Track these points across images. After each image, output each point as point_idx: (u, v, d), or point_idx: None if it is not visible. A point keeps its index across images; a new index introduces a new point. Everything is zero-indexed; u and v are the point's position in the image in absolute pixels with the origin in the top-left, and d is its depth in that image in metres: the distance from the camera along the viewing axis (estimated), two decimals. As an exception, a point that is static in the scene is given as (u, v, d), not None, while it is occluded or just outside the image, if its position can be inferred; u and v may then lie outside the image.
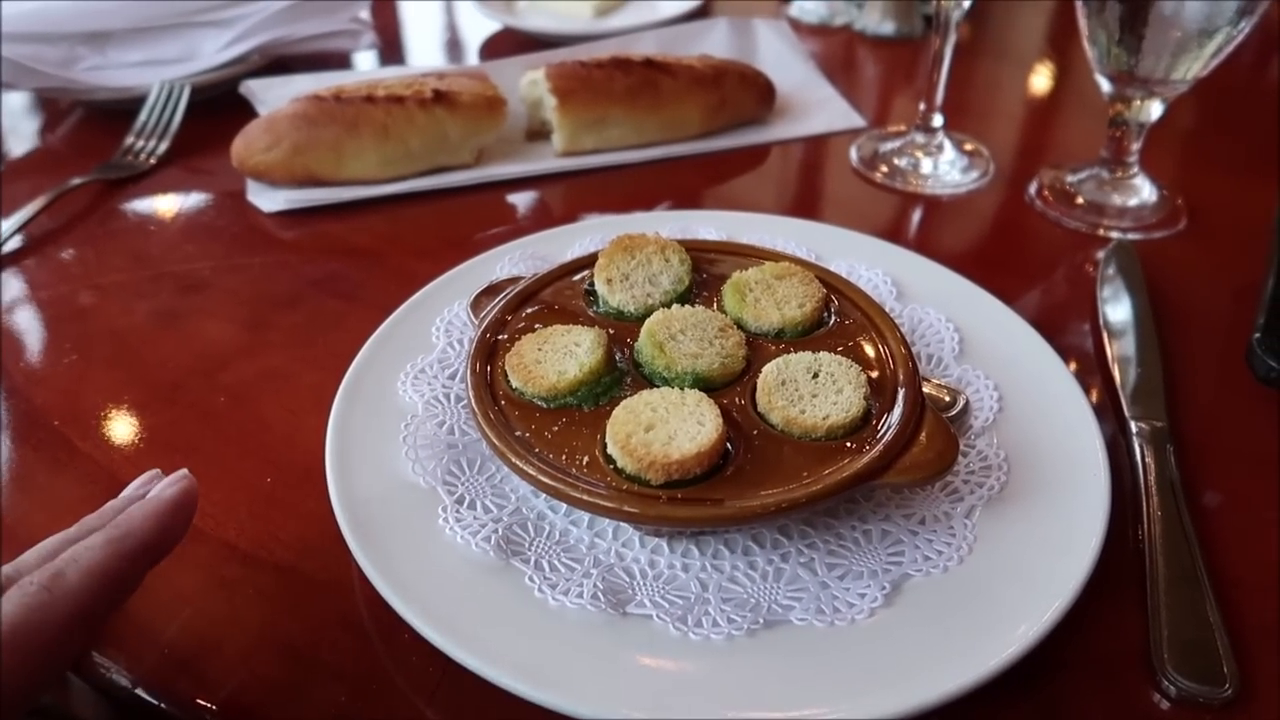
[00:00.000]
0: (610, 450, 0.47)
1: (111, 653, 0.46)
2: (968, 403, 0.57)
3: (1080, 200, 0.82)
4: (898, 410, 0.49)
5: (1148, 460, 0.56)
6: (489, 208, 0.84)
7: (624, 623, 0.45)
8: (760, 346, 0.54)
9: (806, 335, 0.55)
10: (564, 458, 0.47)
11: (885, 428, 0.48)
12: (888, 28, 1.18)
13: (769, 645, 0.44)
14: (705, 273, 0.60)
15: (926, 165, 0.88)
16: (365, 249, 0.77)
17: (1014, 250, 0.81)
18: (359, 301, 0.71)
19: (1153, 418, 0.59)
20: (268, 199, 0.82)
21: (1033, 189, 0.85)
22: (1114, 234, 0.79)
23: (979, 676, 0.42)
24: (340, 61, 1.10)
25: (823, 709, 0.41)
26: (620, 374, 0.52)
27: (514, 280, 0.59)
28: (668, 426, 0.46)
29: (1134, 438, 0.58)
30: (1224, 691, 0.44)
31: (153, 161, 0.88)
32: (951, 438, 0.48)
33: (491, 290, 0.59)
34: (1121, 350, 0.65)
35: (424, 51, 1.19)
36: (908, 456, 0.47)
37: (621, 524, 0.50)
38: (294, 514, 0.54)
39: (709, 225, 0.72)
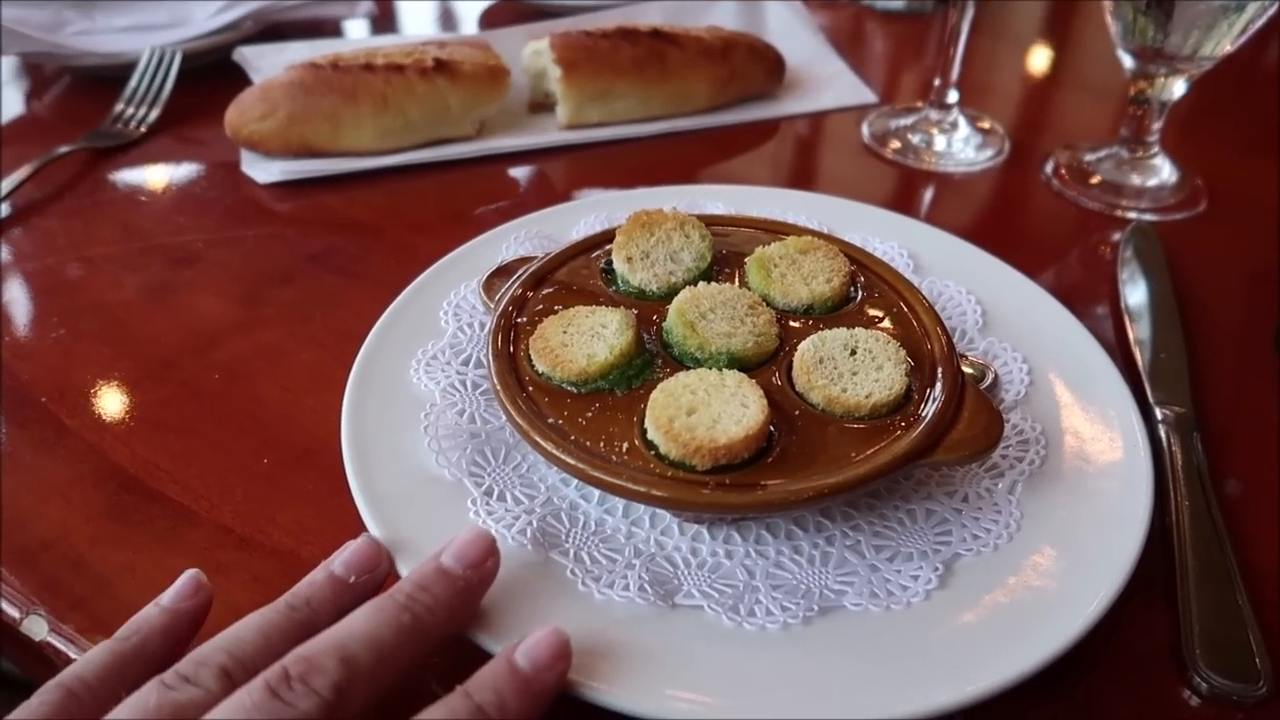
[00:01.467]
0: (652, 436, 0.45)
1: (100, 639, 0.44)
2: (997, 376, 0.56)
3: (1098, 180, 0.80)
4: (939, 386, 0.48)
5: (1173, 448, 0.54)
6: (491, 181, 0.82)
7: (674, 614, 0.43)
8: (789, 324, 0.52)
9: (835, 311, 0.54)
10: (602, 445, 0.45)
11: (928, 405, 0.47)
12: (898, 2, 1.15)
13: (827, 633, 0.43)
14: (724, 248, 0.58)
15: (940, 142, 0.86)
16: (363, 223, 0.75)
17: (1030, 230, 0.79)
18: (357, 277, 0.69)
19: (1177, 403, 0.57)
20: (262, 170, 0.79)
21: (1049, 168, 0.83)
22: (1132, 215, 0.78)
23: (1041, 659, 0.41)
24: (336, 29, 1.06)
25: (890, 701, 0.40)
26: (650, 355, 0.50)
27: (526, 260, 0.57)
28: (710, 409, 0.44)
29: (1159, 424, 0.56)
30: (1258, 689, 0.43)
31: (143, 130, 0.85)
32: (995, 413, 0.47)
33: (503, 271, 0.56)
34: (1142, 334, 0.63)
35: (423, 20, 1.16)
36: (953, 434, 0.46)
37: (659, 511, 0.48)
38: (292, 496, 0.52)
39: (717, 200, 0.70)
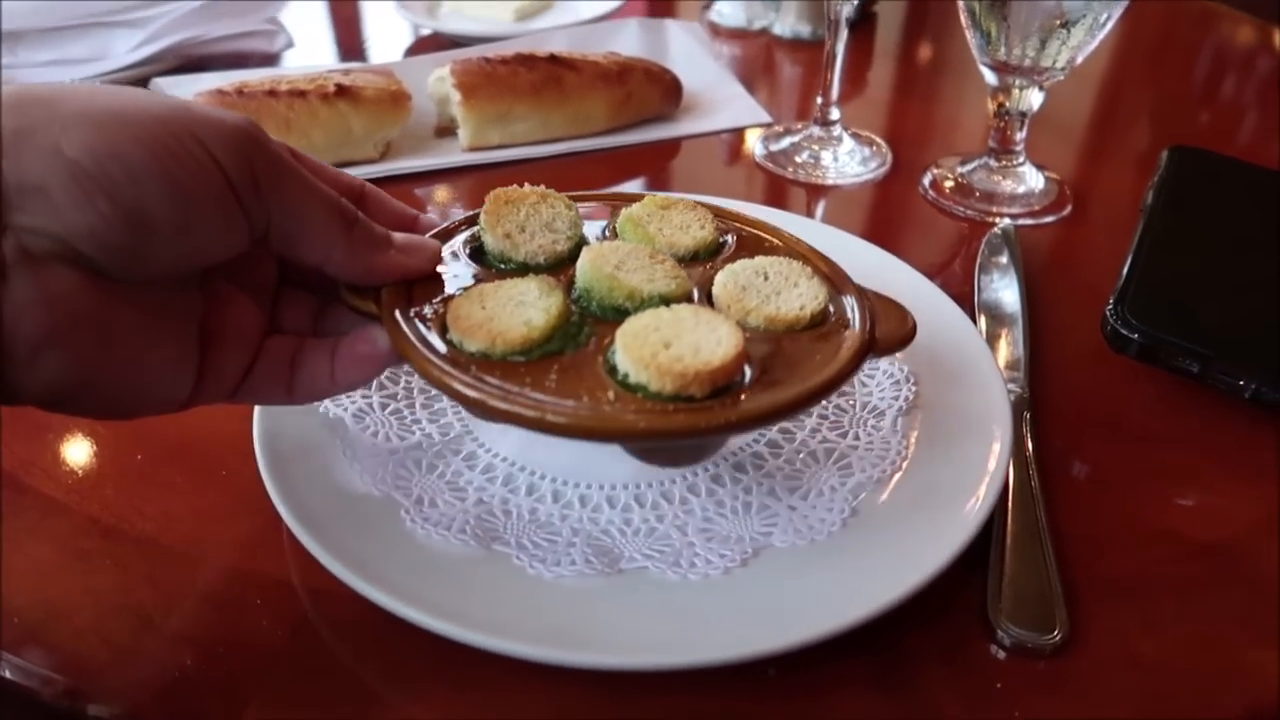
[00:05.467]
0: (637, 378, 0.42)
1: (-39, 623, 0.47)
2: None
3: (971, 188, 0.85)
4: (849, 293, 0.50)
5: (1005, 426, 0.58)
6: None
7: (622, 579, 0.47)
8: (687, 269, 0.52)
9: (716, 255, 0.55)
10: (587, 400, 0.42)
11: (849, 309, 0.49)
12: (803, 30, 1.20)
13: (763, 571, 0.47)
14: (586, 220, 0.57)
15: (826, 157, 0.90)
16: (264, 240, 0.78)
17: (909, 237, 0.83)
18: (251, 289, 0.71)
19: (1013, 387, 0.61)
20: (169, 192, 0.82)
21: (928, 179, 0.88)
22: (1006, 220, 0.82)
23: (947, 559, 0.46)
24: (259, 63, 1.10)
25: (832, 613, 0.44)
26: (579, 317, 0.48)
27: None
28: (684, 341, 0.43)
29: (995, 406, 0.59)
30: (1054, 637, 0.46)
31: (58, 158, 0.88)
32: (902, 307, 0.50)
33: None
34: (994, 327, 0.67)
35: (347, 56, 1.20)
36: (880, 329, 0.48)
37: (588, 491, 0.51)
38: (161, 488, 0.54)
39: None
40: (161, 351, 0.40)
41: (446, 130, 0.93)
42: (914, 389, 0.58)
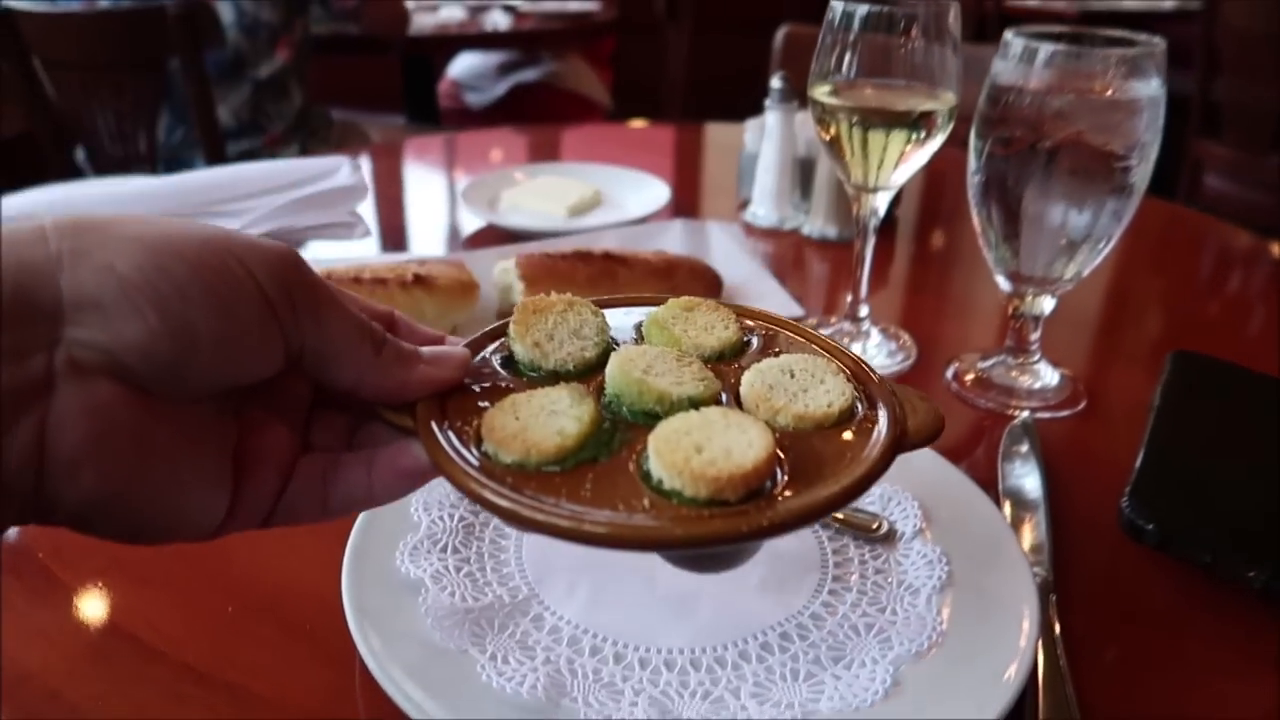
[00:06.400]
0: (671, 485, 0.42)
1: (67, 760, 0.51)
2: (893, 527, 0.67)
3: (991, 382, 0.92)
4: (875, 389, 0.50)
5: (1032, 607, 0.62)
6: (458, 378, 0.93)
7: None
8: (713, 370, 0.52)
9: (741, 355, 0.54)
10: (620, 509, 0.42)
11: (876, 406, 0.49)
12: (831, 231, 1.31)
13: None
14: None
15: (855, 349, 0.97)
16: (341, 411, 0.85)
17: (933, 426, 0.89)
18: (330, 456, 0.78)
19: (1039, 569, 0.65)
20: (257, 365, 0.90)
21: (950, 373, 0.95)
22: (1022, 413, 0.88)
23: None
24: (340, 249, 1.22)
25: None
26: (610, 423, 0.48)
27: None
28: (715, 444, 0.43)
29: (1021, 588, 0.64)
30: (1085, 815, 0.49)
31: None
32: (931, 401, 0.50)
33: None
34: (1017, 512, 0.72)
35: (420, 242, 1.32)
36: (911, 424, 0.48)
37: (647, 653, 0.55)
38: (249, 639, 0.59)
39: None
40: (196, 474, 0.40)
41: (508, 314, 1.02)
42: (946, 569, 0.62)
